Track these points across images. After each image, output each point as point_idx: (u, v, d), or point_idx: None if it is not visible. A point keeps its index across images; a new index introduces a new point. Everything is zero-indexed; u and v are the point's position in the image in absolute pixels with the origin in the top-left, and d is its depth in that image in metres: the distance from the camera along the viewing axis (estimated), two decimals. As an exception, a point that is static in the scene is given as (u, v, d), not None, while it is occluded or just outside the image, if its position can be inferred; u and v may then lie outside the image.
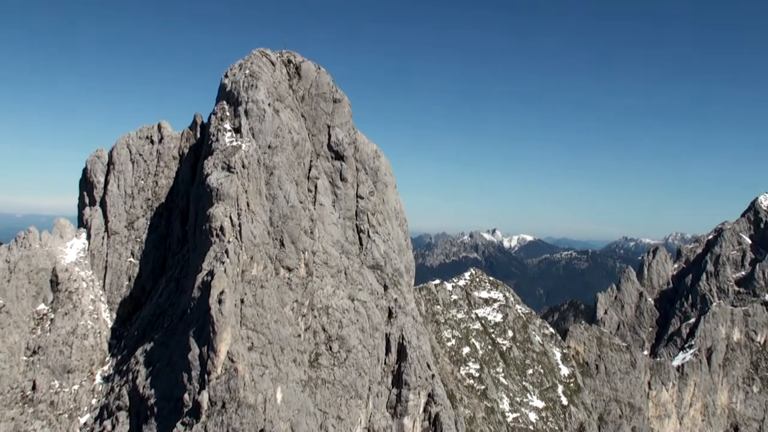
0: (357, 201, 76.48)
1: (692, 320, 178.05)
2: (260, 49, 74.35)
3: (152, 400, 54.43)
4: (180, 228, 71.25)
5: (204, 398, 49.07)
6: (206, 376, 49.67)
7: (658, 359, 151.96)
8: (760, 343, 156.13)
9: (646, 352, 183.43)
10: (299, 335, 60.42)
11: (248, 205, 58.70)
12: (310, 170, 71.11)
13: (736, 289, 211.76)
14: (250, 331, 53.78)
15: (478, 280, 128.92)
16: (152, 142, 76.48)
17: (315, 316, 63.31)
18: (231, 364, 49.85)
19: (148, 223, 73.93)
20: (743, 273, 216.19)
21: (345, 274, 69.51)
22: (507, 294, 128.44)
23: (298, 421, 54.47)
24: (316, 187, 70.80)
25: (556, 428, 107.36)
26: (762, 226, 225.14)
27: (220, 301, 50.26)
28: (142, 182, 75.04)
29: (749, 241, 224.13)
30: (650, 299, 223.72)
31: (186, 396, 50.52)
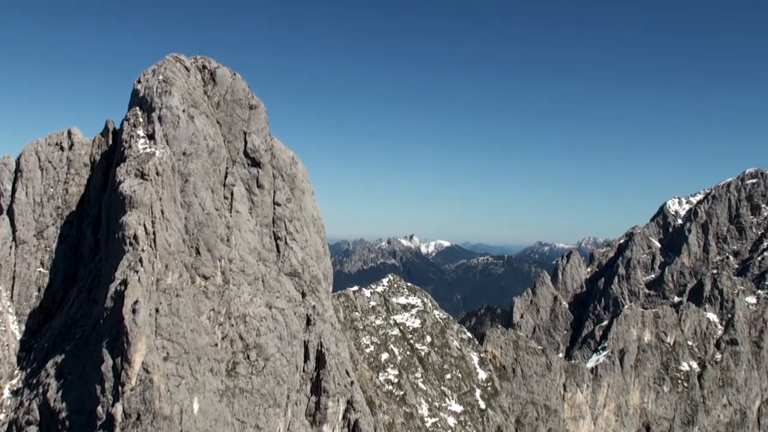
0: (274, 208, 76.01)
1: (605, 323, 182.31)
2: (174, 54, 73.23)
3: (64, 414, 53.09)
4: (92, 237, 69.71)
5: (118, 410, 48.04)
6: (120, 388, 48.65)
7: (573, 361, 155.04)
8: (669, 344, 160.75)
9: (561, 355, 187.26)
10: (216, 344, 59.71)
11: (163, 212, 57.79)
12: (226, 177, 70.38)
13: (647, 291, 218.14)
14: (165, 341, 52.91)
15: (396, 286, 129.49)
16: (62, 148, 74.69)
17: (232, 325, 62.66)
18: (146, 374, 48.95)
19: (59, 231, 72.13)
20: (653, 276, 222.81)
21: (262, 281, 69.00)
22: (425, 299, 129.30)
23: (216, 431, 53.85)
24: (232, 194, 70.09)
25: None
26: (670, 230, 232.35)
27: (134, 311, 49.34)
28: (52, 190, 73.20)
29: (658, 245, 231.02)
30: (565, 303, 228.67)
31: (99, 409, 49.40)
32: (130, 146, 62.99)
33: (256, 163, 74.61)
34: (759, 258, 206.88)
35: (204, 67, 75.48)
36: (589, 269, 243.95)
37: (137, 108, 67.54)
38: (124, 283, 51.43)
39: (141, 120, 65.90)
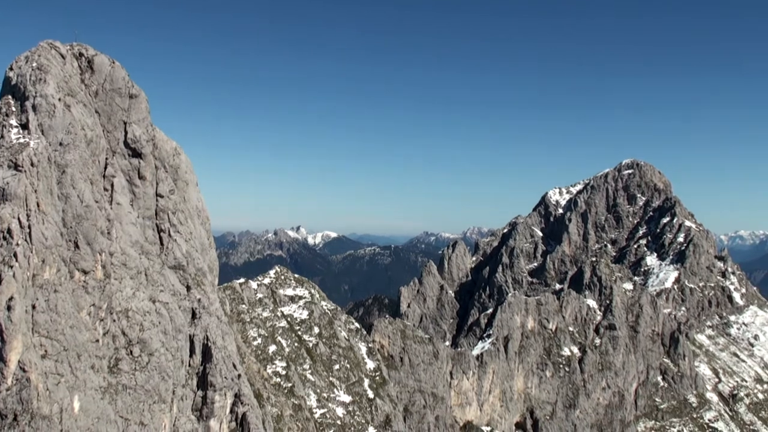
0: (156, 200, 74.30)
1: (490, 310, 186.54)
2: (48, 40, 70.43)
3: (-67, 418, 50.64)
4: (-38, 231, 66.57)
5: (-8, 412, 46.17)
6: (-6, 389, 46.76)
7: (459, 349, 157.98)
8: (551, 330, 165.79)
9: (447, 343, 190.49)
10: (97, 340, 58.03)
11: (38, 205, 55.63)
12: (105, 168, 68.31)
13: (530, 279, 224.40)
14: (43, 339, 51.09)
15: (283, 277, 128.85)
16: (-72, 139, 70.98)
17: (114, 320, 61.02)
18: (23, 374, 47.16)
19: (-75, 227, 68.52)
20: (535, 264, 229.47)
21: (145, 275, 67.43)
22: (312, 291, 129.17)
23: (98, 430, 52.43)
24: (112, 185, 68.10)
25: (363, 421, 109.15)
26: (552, 219, 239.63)
27: (8, 308, 47.38)
28: None
29: (540, 234, 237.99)
30: (451, 292, 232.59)
31: (-28, 411, 47.35)
32: (2, 136, 60.29)
33: (137, 154, 72.70)
34: (635, 246, 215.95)
35: (81, 54, 72.93)
36: (474, 258, 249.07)
37: (9, 96, 64.71)
38: (-2, 279, 49.36)
39: (14, 109, 63.17)
